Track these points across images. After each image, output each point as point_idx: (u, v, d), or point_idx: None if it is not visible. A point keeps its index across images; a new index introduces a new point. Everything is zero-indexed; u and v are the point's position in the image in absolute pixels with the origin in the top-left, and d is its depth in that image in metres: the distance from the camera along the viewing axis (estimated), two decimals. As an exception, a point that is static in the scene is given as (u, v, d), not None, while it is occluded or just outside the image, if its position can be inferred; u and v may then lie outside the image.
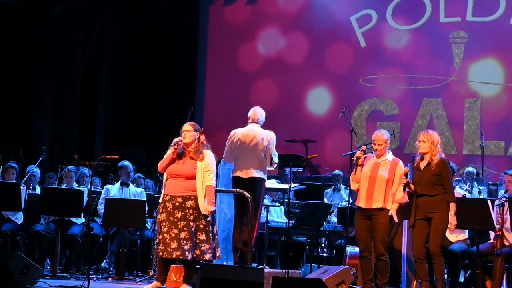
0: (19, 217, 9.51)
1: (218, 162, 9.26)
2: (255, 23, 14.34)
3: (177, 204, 7.26)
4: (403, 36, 13.35)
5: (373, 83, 13.45)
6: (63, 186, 9.78)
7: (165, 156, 7.40)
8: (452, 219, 7.19)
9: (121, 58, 14.76)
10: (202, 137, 7.44)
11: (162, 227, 7.26)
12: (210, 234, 7.32)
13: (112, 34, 14.66)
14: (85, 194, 9.24)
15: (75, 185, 9.80)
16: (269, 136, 8.20)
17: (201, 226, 7.26)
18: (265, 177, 8.21)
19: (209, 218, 7.33)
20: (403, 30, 13.36)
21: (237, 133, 8.30)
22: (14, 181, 9.56)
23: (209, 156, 7.38)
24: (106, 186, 9.91)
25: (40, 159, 9.84)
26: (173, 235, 7.20)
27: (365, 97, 13.50)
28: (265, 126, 8.46)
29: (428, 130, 7.49)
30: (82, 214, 9.40)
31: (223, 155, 8.52)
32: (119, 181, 9.83)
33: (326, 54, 13.77)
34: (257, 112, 8.38)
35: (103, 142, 14.31)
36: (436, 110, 13.04)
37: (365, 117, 13.48)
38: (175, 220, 7.23)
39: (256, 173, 8.09)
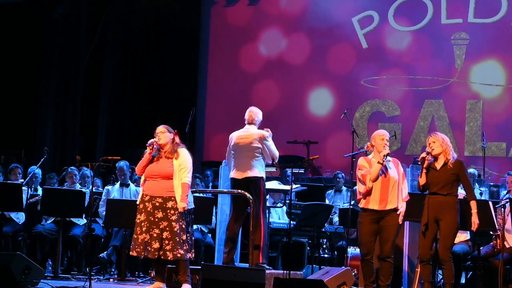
0: (20, 217, 9.52)
1: (219, 163, 9.32)
2: (257, 24, 14.35)
3: (157, 204, 7.33)
4: (405, 38, 13.36)
5: (375, 84, 13.46)
6: (66, 187, 9.79)
7: (142, 159, 7.52)
8: (474, 217, 7.14)
9: (123, 59, 14.77)
10: (177, 138, 7.55)
11: (142, 226, 7.33)
12: (189, 235, 7.42)
13: (114, 35, 14.67)
14: (87, 195, 9.24)
15: (78, 186, 9.80)
16: (263, 136, 8.19)
17: (183, 226, 7.33)
18: (261, 175, 8.17)
19: (189, 219, 7.41)
20: (405, 31, 13.37)
21: (233, 136, 8.34)
22: (19, 181, 9.58)
23: (184, 154, 7.48)
24: (106, 187, 9.91)
25: (41, 160, 9.84)
26: (155, 235, 7.27)
27: (366, 98, 13.51)
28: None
29: (435, 131, 7.49)
30: (84, 215, 9.39)
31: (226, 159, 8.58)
32: (119, 182, 9.84)
33: (328, 55, 13.78)
34: (253, 113, 8.38)
35: (105, 143, 14.32)
36: (438, 112, 13.05)
37: (366, 118, 13.48)
38: (156, 220, 7.30)
39: (251, 173, 8.10)
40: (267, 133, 8.19)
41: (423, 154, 7.28)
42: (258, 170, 8.13)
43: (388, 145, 7.35)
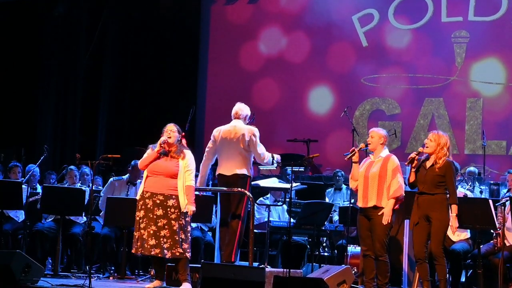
0: (19, 215, 9.52)
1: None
2: (257, 23, 14.35)
3: (158, 201, 7.36)
4: (405, 36, 13.35)
5: (375, 82, 13.45)
6: (66, 185, 9.77)
7: (147, 154, 7.53)
8: (454, 221, 7.15)
9: (123, 58, 14.77)
10: (184, 141, 7.61)
11: (140, 223, 7.36)
12: (188, 234, 7.46)
13: (114, 33, 14.66)
14: (87, 193, 9.23)
15: (78, 185, 9.77)
16: (251, 131, 8.13)
17: (182, 225, 7.35)
18: (249, 173, 8.14)
19: (188, 218, 7.44)
20: (405, 29, 13.36)
21: (220, 131, 8.26)
22: (19, 179, 9.58)
23: (189, 155, 7.53)
24: (111, 180, 9.62)
25: (41, 158, 9.83)
26: (151, 232, 7.29)
27: (366, 97, 13.51)
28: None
29: (439, 131, 7.43)
30: (84, 213, 9.38)
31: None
32: (125, 177, 9.69)
33: (328, 53, 13.77)
34: (239, 109, 8.33)
35: (105, 143, 14.31)
36: (438, 110, 13.05)
37: (366, 117, 13.48)
38: (155, 217, 7.32)
39: (239, 170, 8.05)
40: (255, 128, 8.14)
41: (413, 155, 7.31)
42: (247, 168, 8.08)
43: (369, 143, 7.43)
